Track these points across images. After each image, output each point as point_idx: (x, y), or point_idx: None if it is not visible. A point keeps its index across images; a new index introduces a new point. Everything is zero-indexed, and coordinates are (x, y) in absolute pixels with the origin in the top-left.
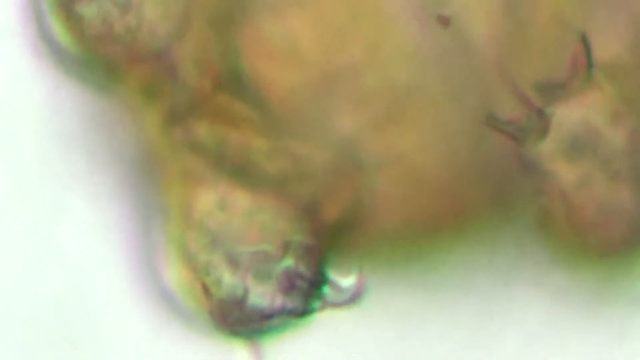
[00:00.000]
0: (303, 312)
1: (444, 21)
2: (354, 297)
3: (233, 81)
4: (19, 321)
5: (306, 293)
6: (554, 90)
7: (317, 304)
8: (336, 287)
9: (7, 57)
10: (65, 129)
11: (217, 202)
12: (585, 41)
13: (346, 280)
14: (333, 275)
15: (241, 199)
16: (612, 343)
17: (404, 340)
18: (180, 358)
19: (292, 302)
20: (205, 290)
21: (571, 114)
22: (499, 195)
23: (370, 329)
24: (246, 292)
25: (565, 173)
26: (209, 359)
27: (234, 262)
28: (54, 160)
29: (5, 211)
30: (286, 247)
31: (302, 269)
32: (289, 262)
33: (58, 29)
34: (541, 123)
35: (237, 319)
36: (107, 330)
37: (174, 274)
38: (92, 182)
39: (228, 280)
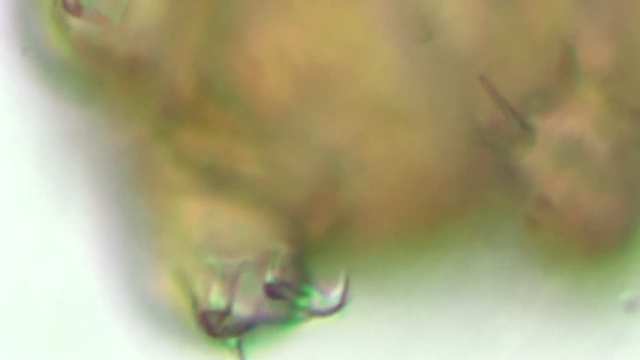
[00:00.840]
0: (289, 321)
1: (427, 34)
2: (339, 306)
3: (220, 90)
4: (19, 321)
5: (292, 302)
6: (538, 100)
7: (302, 313)
8: (321, 296)
9: (7, 56)
10: (65, 129)
11: (203, 213)
12: (570, 51)
13: (331, 289)
14: (318, 284)
15: (226, 210)
16: (608, 345)
17: (389, 349)
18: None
19: (277, 311)
20: (192, 300)
21: (557, 124)
22: (484, 206)
23: (356, 338)
24: (232, 301)
25: (552, 182)
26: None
27: (220, 273)
28: (54, 160)
29: (6, 211)
30: (272, 257)
31: (288, 278)
32: (274, 271)
33: (47, 37)
34: (526, 133)
35: (224, 329)
36: (107, 330)
37: (160, 286)
38: (92, 182)
39: (214, 290)
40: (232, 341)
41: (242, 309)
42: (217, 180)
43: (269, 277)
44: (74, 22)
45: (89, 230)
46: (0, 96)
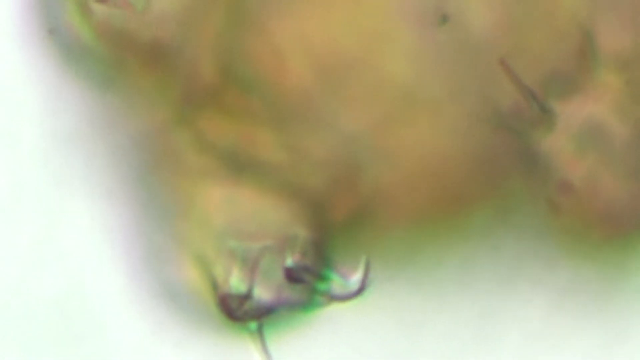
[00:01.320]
0: (309, 305)
1: (444, 17)
2: (359, 290)
3: (241, 76)
4: (19, 321)
5: (312, 287)
6: (558, 84)
7: (322, 297)
8: (341, 280)
9: (6, 57)
10: (65, 129)
11: (224, 198)
12: (590, 35)
13: (351, 274)
14: (338, 268)
15: (247, 195)
16: (612, 342)
17: (408, 334)
18: (188, 355)
19: (297, 296)
20: (213, 285)
21: (576, 108)
22: (505, 190)
23: (375, 322)
24: (253, 285)
25: (572, 167)
26: (216, 356)
27: (240, 257)
28: (54, 160)
29: (6, 211)
30: (292, 242)
31: (308, 263)
32: (295, 255)
33: (71, 22)
34: (546, 117)
35: (244, 313)
36: (108, 330)
37: (181, 271)
38: (92, 182)
39: (235, 274)
40: (253, 325)
41: (262, 293)
42: (238, 165)
43: (290, 261)
44: (97, 8)
45: (91, 227)
46: (0, 96)
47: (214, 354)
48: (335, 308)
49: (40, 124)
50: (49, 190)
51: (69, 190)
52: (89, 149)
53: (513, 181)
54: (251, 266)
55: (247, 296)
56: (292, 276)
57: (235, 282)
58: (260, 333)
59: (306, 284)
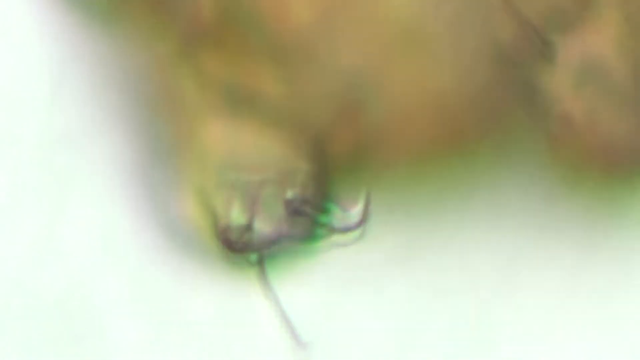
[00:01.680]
0: (309, 238)
1: None
2: (360, 223)
3: (242, 12)
4: (19, 321)
5: (312, 219)
6: (559, 18)
7: (323, 229)
8: (342, 213)
9: (6, 57)
10: (65, 129)
11: (225, 132)
12: None
13: (352, 207)
14: (339, 201)
15: (248, 129)
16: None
17: (409, 264)
18: (190, 292)
19: (298, 228)
20: (213, 217)
21: (577, 43)
22: (505, 125)
23: (375, 255)
24: (253, 218)
25: (572, 100)
26: (217, 291)
27: (241, 190)
28: (54, 160)
29: (6, 211)
30: (293, 175)
31: (308, 195)
32: (295, 188)
33: None
34: (547, 50)
35: (244, 245)
36: (108, 330)
37: (182, 205)
38: (92, 182)
39: (235, 207)
40: (253, 257)
41: (263, 226)
42: (239, 99)
43: (290, 194)
44: None
45: (92, 227)
46: (0, 96)
47: (217, 288)
48: (336, 241)
49: (40, 124)
50: (49, 190)
51: (69, 190)
52: (89, 149)
53: (513, 116)
54: (252, 199)
55: (247, 228)
56: (292, 209)
57: (236, 215)
58: (260, 265)
59: (307, 217)
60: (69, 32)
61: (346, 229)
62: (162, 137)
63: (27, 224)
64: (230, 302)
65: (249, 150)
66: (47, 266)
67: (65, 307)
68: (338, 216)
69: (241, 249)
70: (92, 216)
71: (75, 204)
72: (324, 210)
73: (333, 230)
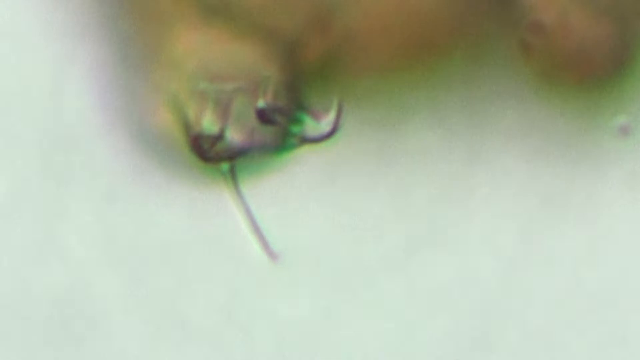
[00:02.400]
0: (281, 147)
1: None
2: (331, 132)
3: None
4: (19, 321)
5: (284, 128)
6: None
7: (295, 139)
8: (314, 122)
9: (6, 57)
10: (65, 129)
11: (197, 41)
12: None
13: (324, 116)
14: (311, 111)
15: (220, 37)
16: (603, 168)
17: (382, 172)
18: (163, 203)
19: (270, 137)
20: (185, 126)
21: None
22: (477, 34)
23: (347, 164)
24: (225, 126)
25: (544, 6)
26: (191, 203)
27: (213, 98)
28: (54, 160)
29: (6, 211)
30: (265, 83)
31: (280, 103)
32: (267, 97)
33: None
34: None
35: (216, 154)
36: (108, 330)
37: (154, 114)
38: (92, 182)
39: (207, 115)
40: (225, 166)
41: (234, 135)
42: (210, 8)
43: (262, 102)
44: None
45: (91, 227)
46: (0, 96)
47: (191, 197)
48: (308, 150)
49: (40, 124)
50: (49, 190)
51: (69, 190)
52: (89, 149)
53: (485, 24)
54: (223, 107)
55: (219, 137)
56: (264, 117)
57: (208, 124)
58: (232, 175)
59: (278, 126)
60: (69, 98)
61: (318, 139)
62: (135, 46)
63: (27, 224)
64: (202, 213)
65: (220, 59)
66: (47, 266)
67: (65, 307)
68: (309, 125)
69: (212, 158)
70: (91, 217)
71: (75, 204)
72: (296, 120)
73: (304, 139)
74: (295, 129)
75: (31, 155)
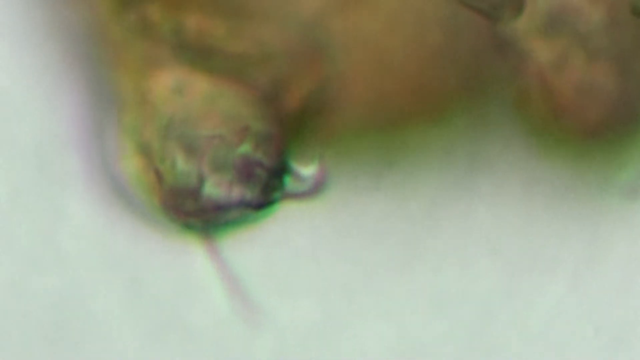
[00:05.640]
0: (262, 204)
1: None
2: (315, 188)
3: None
4: (18, 321)
5: (265, 183)
6: None
7: (277, 194)
8: (297, 177)
9: (6, 57)
10: (65, 129)
11: (174, 86)
12: None
13: (308, 170)
14: (294, 164)
15: (200, 83)
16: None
17: (365, 234)
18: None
19: (250, 193)
20: (158, 177)
21: None
22: (473, 78)
23: (331, 223)
24: (201, 180)
25: (543, 52)
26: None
27: (189, 148)
28: (52, 161)
29: (5, 211)
30: (245, 133)
31: (261, 156)
32: (247, 148)
33: None
34: (516, 1)
35: (192, 210)
36: (107, 330)
37: (126, 162)
38: (91, 182)
39: (182, 166)
40: (200, 225)
41: (212, 189)
42: (190, 53)
43: (241, 153)
44: None
45: (90, 228)
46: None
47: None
48: (290, 206)
49: (39, 125)
50: (49, 190)
51: (68, 190)
52: (88, 149)
53: (482, 67)
54: (200, 158)
55: (194, 191)
56: (244, 171)
57: (183, 175)
58: (209, 233)
59: (259, 180)
60: (68, 99)
61: (302, 194)
62: (109, 93)
63: (26, 224)
64: (178, 267)
65: (200, 106)
66: (47, 266)
67: (64, 308)
68: (293, 180)
69: (188, 215)
70: (88, 219)
71: (75, 204)
72: (279, 174)
73: (288, 195)
74: (277, 184)
75: (28, 157)
